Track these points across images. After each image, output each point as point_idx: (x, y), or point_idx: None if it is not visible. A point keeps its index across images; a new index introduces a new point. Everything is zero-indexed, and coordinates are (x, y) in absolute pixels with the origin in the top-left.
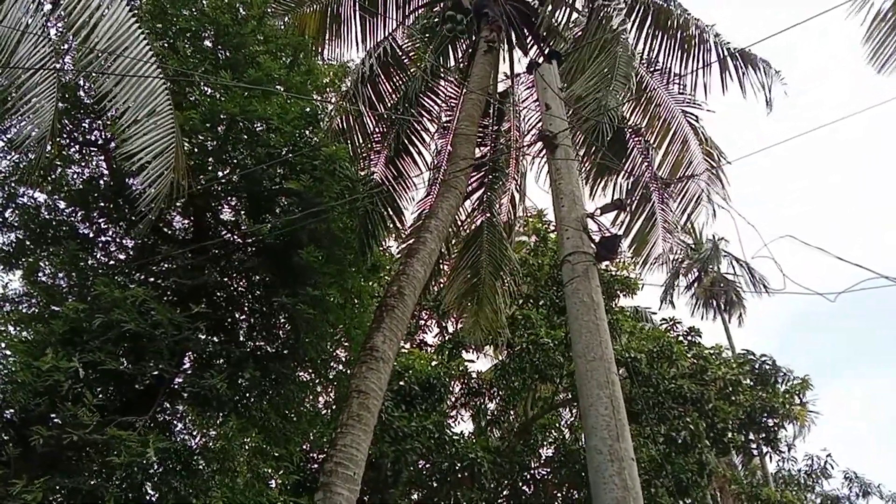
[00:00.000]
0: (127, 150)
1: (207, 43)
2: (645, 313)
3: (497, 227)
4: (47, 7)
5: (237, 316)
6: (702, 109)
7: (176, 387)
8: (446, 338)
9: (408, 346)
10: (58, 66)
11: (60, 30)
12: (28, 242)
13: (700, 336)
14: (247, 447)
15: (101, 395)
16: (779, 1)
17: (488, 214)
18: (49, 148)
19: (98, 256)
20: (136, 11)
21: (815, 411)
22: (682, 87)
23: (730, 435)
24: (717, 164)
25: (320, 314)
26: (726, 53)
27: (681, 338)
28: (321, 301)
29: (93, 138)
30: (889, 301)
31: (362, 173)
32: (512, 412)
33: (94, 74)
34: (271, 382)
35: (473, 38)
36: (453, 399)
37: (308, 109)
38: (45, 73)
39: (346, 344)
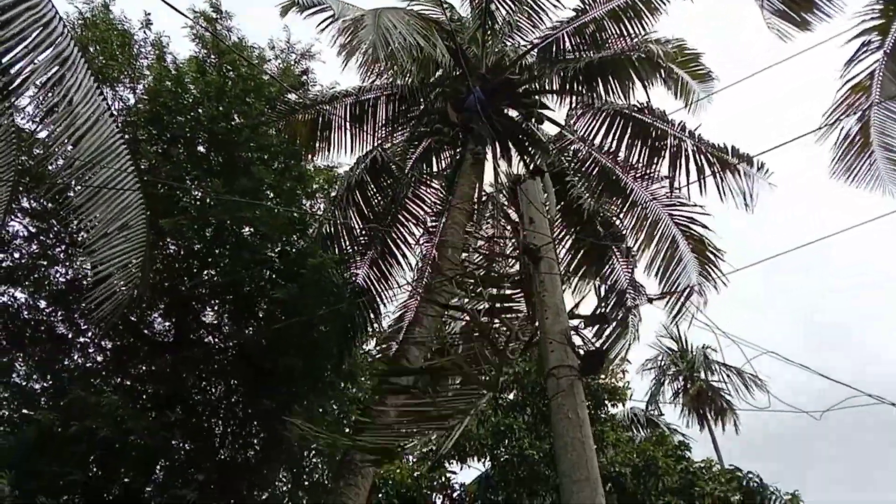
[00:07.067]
0: (93, 261)
1: (201, 149)
2: (652, 418)
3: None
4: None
5: (213, 422)
6: (692, 210)
7: (146, 496)
8: (428, 447)
9: None
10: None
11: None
12: (4, 342)
13: (690, 450)
14: None
15: None
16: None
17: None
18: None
19: (75, 358)
20: (125, 118)
21: None
22: (662, 186)
23: None
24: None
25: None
26: (704, 162)
27: (669, 452)
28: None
29: (80, 239)
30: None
31: (347, 275)
32: None
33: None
34: (243, 493)
35: (459, 148)
36: None
37: (297, 215)
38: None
39: (322, 456)
